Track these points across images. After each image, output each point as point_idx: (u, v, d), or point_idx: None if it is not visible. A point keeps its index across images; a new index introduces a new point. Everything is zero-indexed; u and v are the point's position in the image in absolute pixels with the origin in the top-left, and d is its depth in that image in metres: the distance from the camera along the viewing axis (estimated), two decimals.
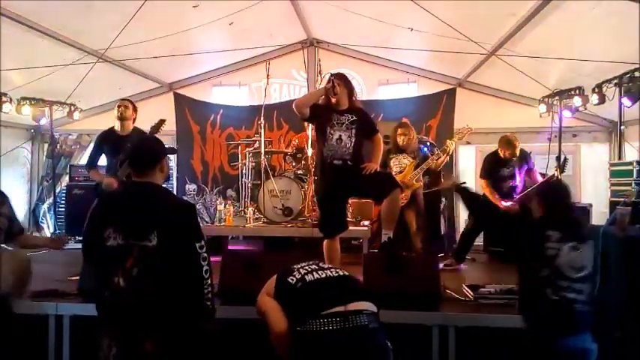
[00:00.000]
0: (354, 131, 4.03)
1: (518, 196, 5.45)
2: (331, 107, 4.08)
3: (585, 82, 5.98)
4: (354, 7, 6.06)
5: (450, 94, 7.80)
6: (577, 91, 6.14)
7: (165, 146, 2.69)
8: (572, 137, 7.49)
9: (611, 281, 2.49)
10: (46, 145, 8.44)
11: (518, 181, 5.59)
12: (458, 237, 6.25)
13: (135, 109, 4.80)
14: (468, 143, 7.64)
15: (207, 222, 6.22)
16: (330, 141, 4.02)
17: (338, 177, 4.05)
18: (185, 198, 7.72)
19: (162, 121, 4.57)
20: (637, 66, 5.20)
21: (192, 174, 8.26)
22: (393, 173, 5.55)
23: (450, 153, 5.70)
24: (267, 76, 6.46)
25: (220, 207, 6.22)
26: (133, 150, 2.63)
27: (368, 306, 2.49)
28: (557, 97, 6.44)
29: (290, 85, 8.25)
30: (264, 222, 6.06)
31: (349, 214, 5.76)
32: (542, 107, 6.80)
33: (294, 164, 6.52)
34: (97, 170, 4.79)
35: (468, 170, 7.74)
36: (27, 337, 3.59)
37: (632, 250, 3.09)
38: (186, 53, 6.99)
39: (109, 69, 6.84)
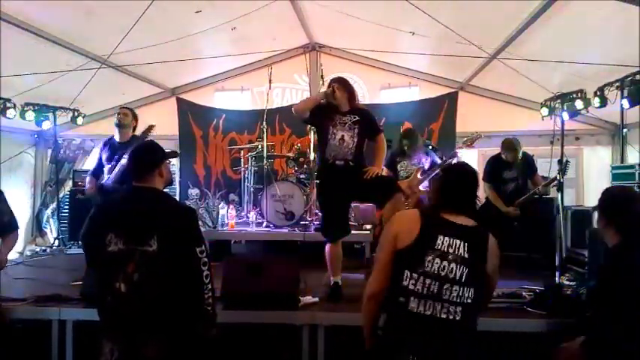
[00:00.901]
0: (356, 131, 4.02)
1: (520, 200, 5.45)
2: (334, 108, 4.09)
3: (587, 85, 5.97)
4: (355, 12, 6.08)
5: (452, 97, 7.82)
6: (579, 94, 6.13)
7: (166, 150, 2.70)
8: (574, 140, 7.49)
9: None
10: (49, 151, 8.46)
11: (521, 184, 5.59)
12: None
13: (135, 118, 4.84)
14: (470, 147, 7.64)
15: (209, 226, 6.22)
16: (332, 141, 4.01)
17: (340, 178, 4.04)
18: (188, 202, 7.74)
19: (150, 127, 4.67)
20: (638, 69, 5.19)
21: (195, 178, 8.28)
22: (400, 178, 5.58)
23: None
24: (270, 80, 6.47)
25: (223, 211, 6.23)
26: (131, 156, 2.65)
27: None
28: (559, 101, 6.43)
29: (292, 89, 8.28)
30: (266, 226, 6.07)
31: (351, 219, 5.77)
32: (545, 110, 6.80)
33: (296, 168, 6.53)
34: (92, 178, 4.88)
35: None
36: (30, 342, 3.60)
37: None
38: (188, 58, 7.02)
39: (113, 74, 6.88)
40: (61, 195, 8.08)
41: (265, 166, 6.18)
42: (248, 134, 8.06)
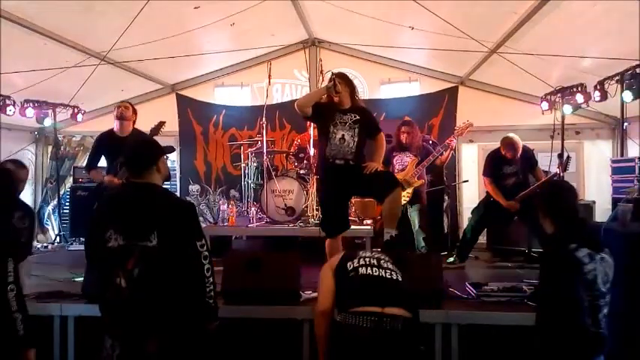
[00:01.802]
0: (357, 130, 4.03)
1: (521, 194, 5.46)
2: (334, 106, 4.08)
3: (587, 79, 5.97)
4: (355, 7, 6.06)
5: (452, 92, 7.80)
6: (579, 88, 6.13)
7: (163, 146, 2.69)
8: (575, 134, 7.49)
9: (614, 277, 2.47)
10: (50, 148, 8.48)
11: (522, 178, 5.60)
12: (460, 234, 6.25)
13: (135, 112, 4.79)
14: (471, 141, 7.66)
15: (210, 222, 6.25)
16: (332, 140, 4.02)
17: (340, 177, 4.05)
18: (188, 199, 7.76)
19: (161, 123, 4.56)
20: (638, 62, 5.19)
21: (196, 175, 8.29)
22: (396, 171, 5.59)
23: (453, 148, 5.74)
24: (269, 76, 6.47)
25: (223, 207, 6.24)
26: (128, 152, 2.65)
27: (403, 312, 2.58)
28: (559, 95, 6.43)
29: (292, 85, 8.27)
30: (266, 222, 6.08)
31: (352, 213, 5.78)
32: (545, 105, 6.79)
33: (296, 164, 6.53)
34: (96, 170, 4.81)
35: (471, 168, 7.74)
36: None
37: (633, 246, 3.08)
38: (188, 54, 7.01)
39: (112, 71, 6.86)
40: (61, 192, 8.11)
41: (265, 162, 6.19)
42: (248, 130, 8.05)
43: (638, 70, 5.27)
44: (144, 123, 4.83)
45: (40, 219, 8.37)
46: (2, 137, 7.16)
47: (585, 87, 6.09)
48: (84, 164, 8.01)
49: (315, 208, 5.96)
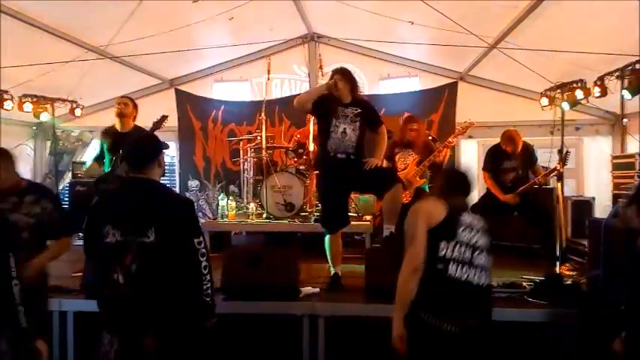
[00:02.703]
0: (358, 124, 4.04)
1: (520, 189, 5.46)
2: (336, 100, 4.08)
3: (587, 74, 5.95)
4: (354, 2, 6.04)
5: (452, 87, 7.78)
6: (579, 84, 6.11)
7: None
8: (574, 130, 7.47)
9: (613, 273, 2.46)
10: (48, 142, 8.45)
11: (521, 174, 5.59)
12: None
13: (135, 107, 4.82)
14: (470, 137, 7.64)
15: (209, 218, 6.23)
16: (334, 134, 4.02)
17: (341, 171, 4.05)
18: (188, 194, 7.75)
19: (164, 117, 4.59)
20: (638, 58, 5.17)
21: (195, 170, 8.26)
22: (398, 170, 5.56)
23: (453, 146, 5.72)
24: (268, 71, 6.45)
25: (223, 203, 6.23)
26: (130, 147, 2.63)
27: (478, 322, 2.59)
28: (559, 90, 6.41)
29: (291, 80, 8.24)
30: (266, 217, 6.07)
31: (351, 209, 5.77)
32: (544, 100, 6.77)
33: (295, 159, 6.51)
34: (94, 162, 4.89)
35: (471, 164, 7.73)
36: None
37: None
38: (187, 49, 6.98)
39: (111, 65, 6.84)
40: (60, 187, 8.08)
41: (265, 158, 6.18)
42: (247, 125, 8.02)
43: (637, 66, 5.25)
44: (142, 118, 4.85)
45: None
46: (0, 132, 7.13)
47: (585, 83, 6.07)
48: (83, 159, 8.05)
49: (314, 204, 5.95)
